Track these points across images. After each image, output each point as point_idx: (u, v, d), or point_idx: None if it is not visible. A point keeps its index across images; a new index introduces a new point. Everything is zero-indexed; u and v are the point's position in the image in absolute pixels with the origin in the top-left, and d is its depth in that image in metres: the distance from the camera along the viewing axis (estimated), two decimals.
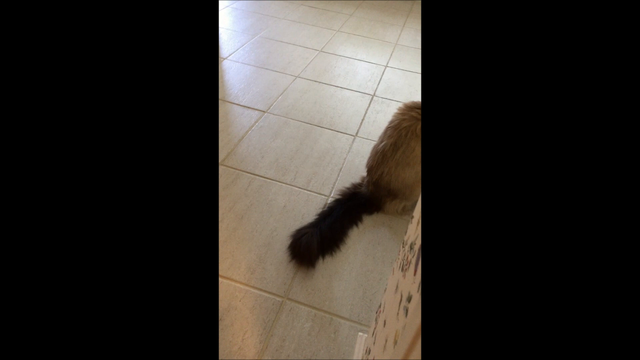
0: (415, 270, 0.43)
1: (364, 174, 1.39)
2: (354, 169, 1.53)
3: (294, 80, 2.05)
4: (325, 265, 1.15)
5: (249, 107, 1.80)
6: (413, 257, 0.48)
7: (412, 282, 0.43)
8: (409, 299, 0.43)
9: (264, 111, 1.79)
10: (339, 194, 1.36)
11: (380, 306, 0.70)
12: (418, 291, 0.38)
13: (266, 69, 2.12)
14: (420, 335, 0.33)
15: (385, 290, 0.69)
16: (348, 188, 1.38)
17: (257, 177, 1.43)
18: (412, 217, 0.58)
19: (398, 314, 0.48)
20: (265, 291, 1.06)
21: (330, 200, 1.36)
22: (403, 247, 0.60)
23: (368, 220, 1.32)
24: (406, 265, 0.51)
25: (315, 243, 1.13)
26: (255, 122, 1.72)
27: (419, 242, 0.47)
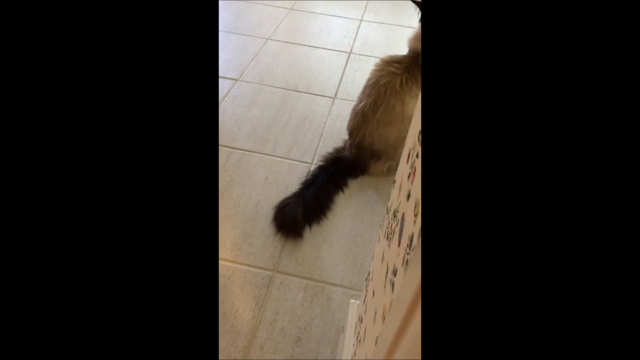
0: (400, 242, 0.40)
1: (346, 137, 1.34)
2: (335, 132, 1.47)
3: (265, 43, 1.94)
4: (313, 234, 1.13)
5: (220, 77, 1.70)
6: (397, 225, 0.44)
7: (396, 254, 0.40)
8: (395, 272, 0.40)
9: (236, 79, 1.69)
10: (322, 160, 1.31)
11: (369, 274, 0.68)
12: (403, 265, 0.35)
13: (234, 33, 1.98)
14: (409, 316, 0.30)
15: (373, 258, 0.66)
16: (330, 153, 1.33)
17: (235, 150, 1.37)
18: (394, 181, 0.54)
19: (385, 286, 0.45)
20: (254, 266, 1.04)
21: (313, 167, 1.32)
22: (387, 213, 0.56)
23: (353, 184, 1.29)
24: (390, 234, 0.48)
25: (299, 212, 1.10)
26: (228, 91, 1.62)
27: (402, 209, 0.43)
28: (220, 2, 2.23)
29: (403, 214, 0.41)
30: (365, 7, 2.31)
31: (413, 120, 0.44)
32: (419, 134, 0.40)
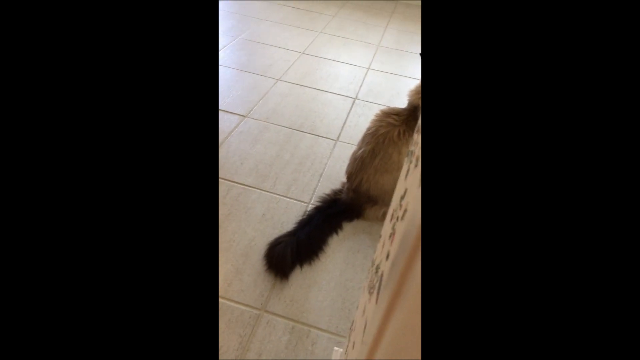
0: (377, 300, 0.42)
1: (345, 179, 1.37)
2: (334, 174, 1.51)
3: (275, 83, 2.03)
4: (304, 275, 1.14)
5: (228, 112, 1.77)
6: (377, 282, 0.46)
7: (374, 314, 0.42)
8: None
9: (244, 116, 1.76)
10: (319, 201, 1.34)
11: (352, 323, 0.68)
12: (373, 332, 0.37)
13: (247, 72, 2.08)
14: None
15: (357, 308, 0.67)
16: (328, 195, 1.36)
17: (236, 184, 1.40)
18: (381, 235, 0.56)
19: (362, 341, 0.46)
20: (242, 304, 1.04)
21: (310, 207, 1.34)
22: (372, 266, 0.58)
23: (348, 227, 1.31)
24: (372, 288, 0.50)
25: (289, 253, 1.11)
26: (235, 127, 1.69)
27: (383, 266, 0.45)
28: (235, 41, 2.36)
29: (382, 273, 0.43)
30: (374, 57, 2.43)
31: (398, 184, 0.47)
32: (401, 198, 0.43)
